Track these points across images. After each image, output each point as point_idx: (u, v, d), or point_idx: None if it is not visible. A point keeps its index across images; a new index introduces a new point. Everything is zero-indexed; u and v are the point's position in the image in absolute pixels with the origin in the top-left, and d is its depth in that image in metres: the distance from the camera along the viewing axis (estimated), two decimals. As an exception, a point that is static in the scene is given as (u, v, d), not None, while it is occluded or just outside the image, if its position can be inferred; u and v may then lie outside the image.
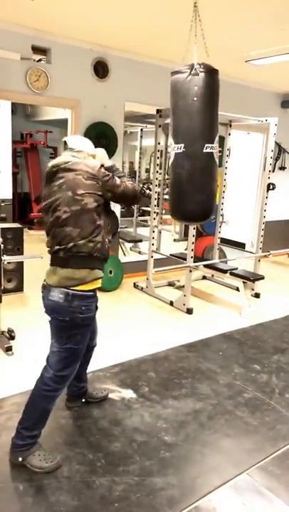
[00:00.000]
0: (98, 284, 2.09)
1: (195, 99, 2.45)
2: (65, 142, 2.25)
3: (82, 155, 2.10)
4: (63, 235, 1.97)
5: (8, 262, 3.64)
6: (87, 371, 2.60)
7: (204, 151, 2.51)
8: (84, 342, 2.11)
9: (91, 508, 1.85)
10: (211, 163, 2.56)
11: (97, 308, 2.24)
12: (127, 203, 2.18)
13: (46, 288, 2.06)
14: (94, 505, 1.87)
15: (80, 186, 1.96)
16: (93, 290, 2.07)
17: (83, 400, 2.61)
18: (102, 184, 2.00)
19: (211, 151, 2.52)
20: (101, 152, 2.25)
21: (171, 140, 2.61)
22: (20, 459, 2.05)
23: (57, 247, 2.00)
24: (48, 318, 2.07)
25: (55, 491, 1.93)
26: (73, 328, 2.01)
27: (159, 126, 4.53)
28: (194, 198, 2.64)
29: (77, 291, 1.98)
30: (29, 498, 1.88)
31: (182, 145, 2.52)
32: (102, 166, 2.05)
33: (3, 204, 3.40)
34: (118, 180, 2.06)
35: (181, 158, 2.55)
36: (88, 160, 2.10)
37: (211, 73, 2.47)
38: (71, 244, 1.96)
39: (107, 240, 2.06)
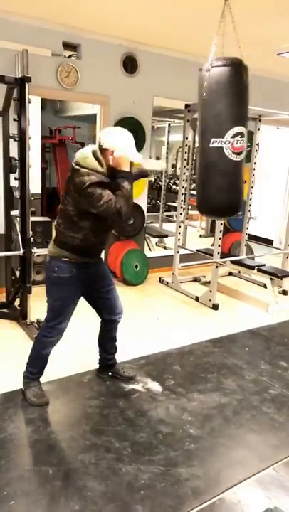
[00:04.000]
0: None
1: (204, 94, 2.47)
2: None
3: (102, 154, 2.22)
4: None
5: (37, 255, 3.72)
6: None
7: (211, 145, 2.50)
8: (62, 300, 2.42)
9: (117, 494, 1.90)
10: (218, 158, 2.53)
11: (106, 281, 2.57)
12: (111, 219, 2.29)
13: None
14: (120, 491, 1.91)
15: (68, 193, 2.25)
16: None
17: (110, 373, 2.84)
18: (83, 200, 2.19)
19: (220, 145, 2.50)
20: (121, 154, 2.22)
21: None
22: (23, 388, 2.55)
23: None
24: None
25: (83, 476, 1.98)
26: (50, 284, 2.40)
27: (188, 121, 4.51)
28: (201, 192, 2.69)
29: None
30: (58, 482, 1.94)
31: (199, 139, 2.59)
32: (90, 185, 2.13)
33: (32, 198, 3.47)
34: (101, 201, 2.15)
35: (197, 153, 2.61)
36: (88, 169, 2.16)
37: (230, 67, 2.47)
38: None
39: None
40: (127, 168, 2.25)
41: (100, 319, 2.68)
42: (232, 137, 2.47)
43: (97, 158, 2.20)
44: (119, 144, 2.21)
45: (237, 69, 2.50)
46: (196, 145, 2.69)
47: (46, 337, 2.48)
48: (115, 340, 2.77)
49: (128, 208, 2.20)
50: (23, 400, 2.51)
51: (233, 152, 2.49)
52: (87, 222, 2.26)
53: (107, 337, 2.74)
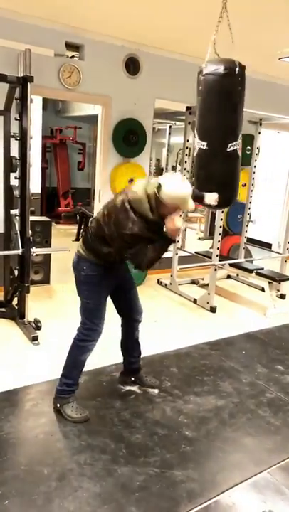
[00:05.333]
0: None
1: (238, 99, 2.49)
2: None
3: (157, 203, 2.13)
4: None
5: (36, 254, 3.71)
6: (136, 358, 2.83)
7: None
8: (94, 299, 2.40)
9: (112, 495, 1.89)
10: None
11: (129, 282, 2.60)
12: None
13: None
14: (115, 493, 1.91)
15: (108, 216, 2.23)
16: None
17: (132, 379, 2.80)
18: (117, 236, 2.19)
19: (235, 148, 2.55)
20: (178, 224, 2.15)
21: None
22: (58, 405, 2.40)
23: None
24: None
25: (78, 476, 1.98)
26: (81, 284, 2.38)
27: (189, 123, 4.52)
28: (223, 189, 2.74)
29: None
30: (53, 483, 1.94)
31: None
32: (130, 235, 2.13)
33: (32, 198, 3.47)
34: (132, 250, 2.19)
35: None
36: (137, 215, 2.12)
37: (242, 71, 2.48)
38: None
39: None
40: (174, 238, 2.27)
41: (120, 323, 2.70)
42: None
43: (151, 206, 2.12)
44: (183, 203, 2.11)
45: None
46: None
47: (85, 341, 2.41)
48: (138, 343, 2.77)
49: (148, 268, 2.30)
50: (18, 400, 2.51)
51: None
52: (118, 245, 2.24)
53: (131, 339, 2.73)
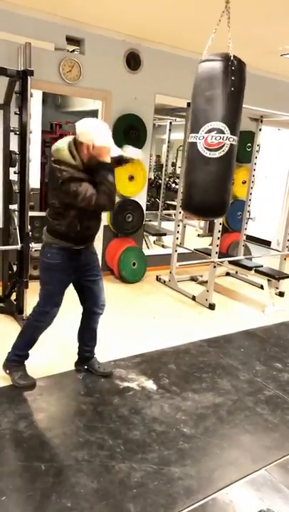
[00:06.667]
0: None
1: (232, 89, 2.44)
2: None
3: (77, 147, 2.24)
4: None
5: (35, 250, 3.69)
6: (97, 345, 2.84)
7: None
8: (54, 286, 2.51)
9: (110, 492, 1.89)
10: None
11: (95, 273, 2.60)
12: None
13: None
14: (113, 489, 1.91)
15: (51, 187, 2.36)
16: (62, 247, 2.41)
17: (86, 367, 2.84)
18: (63, 196, 2.25)
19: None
20: (102, 144, 2.20)
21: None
22: (7, 371, 2.62)
23: None
24: None
25: (76, 472, 1.98)
26: (43, 270, 2.52)
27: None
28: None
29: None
30: (50, 478, 1.94)
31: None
32: (63, 182, 2.18)
33: (31, 193, 3.46)
34: (79, 198, 2.20)
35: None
36: (60, 165, 2.20)
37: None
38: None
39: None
40: (108, 160, 2.21)
41: (82, 310, 2.73)
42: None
43: (70, 152, 2.21)
44: (98, 135, 2.18)
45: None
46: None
47: (38, 321, 2.57)
48: (95, 333, 2.78)
49: (112, 202, 2.26)
50: (16, 395, 2.51)
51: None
52: (73, 211, 2.30)
53: (88, 329, 2.75)
